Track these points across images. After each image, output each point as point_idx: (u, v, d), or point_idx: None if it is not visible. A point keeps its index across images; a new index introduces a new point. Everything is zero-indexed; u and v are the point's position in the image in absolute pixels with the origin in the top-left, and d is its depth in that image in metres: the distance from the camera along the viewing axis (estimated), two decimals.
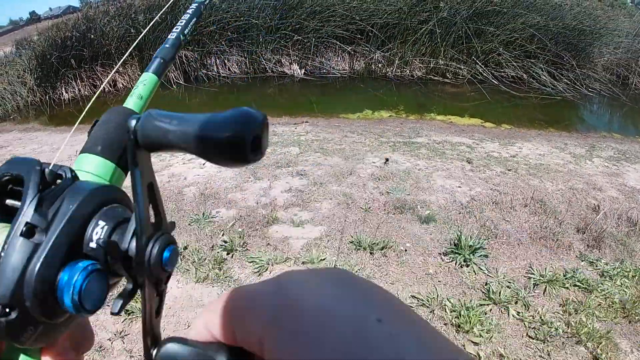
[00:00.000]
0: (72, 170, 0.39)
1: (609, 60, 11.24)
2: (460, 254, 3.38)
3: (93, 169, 0.49)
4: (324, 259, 3.41)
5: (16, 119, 10.69)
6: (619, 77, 11.46)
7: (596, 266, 3.51)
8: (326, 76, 11.22)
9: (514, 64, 10.24)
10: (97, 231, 0.36)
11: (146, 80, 0.63)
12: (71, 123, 9.26)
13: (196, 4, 0.76)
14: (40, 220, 0.34)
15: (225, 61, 11.83)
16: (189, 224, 4.10)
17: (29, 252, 0.33)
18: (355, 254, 3.47)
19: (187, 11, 0.74)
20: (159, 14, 8.70)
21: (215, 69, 11.81)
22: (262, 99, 10.08)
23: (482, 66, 10.29)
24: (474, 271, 3.30)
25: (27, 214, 0.34)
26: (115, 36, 11.52)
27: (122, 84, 11.66)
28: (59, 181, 0.38)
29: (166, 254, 0.35)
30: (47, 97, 11.36)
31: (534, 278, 3.27)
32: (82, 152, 0.52)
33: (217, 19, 11.26)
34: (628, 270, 3.47)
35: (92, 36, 11.38)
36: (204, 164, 5.58)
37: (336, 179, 4.92)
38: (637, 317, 2.97)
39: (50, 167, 0.38)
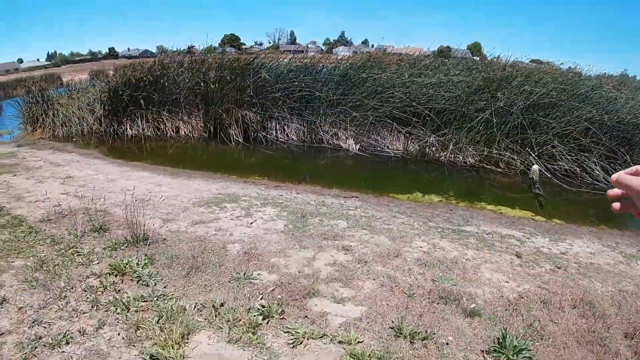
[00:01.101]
0: None
1: None
2: (503, 354, 3.39)
3: None
4: (361, 342, 3.49)
5: (78, 143, 11.44)
6: None
7: None
8: (380, 154, 11.55)
9: (568, 157, 10.25)
10: None
11: None
12: (128, 158, 9.87)
13: None
14: None
15: (285, 127, 12.51)
16: (229, 281, 4.29)
17: None
18: (395, 342, 3.52)
19: None
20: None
21: (274, 133, 12.50)
22: (315, 167, 10.50)
23: (536, 157, 10.35)
24: None
25: None
26: (186, 86, 12.39)
27: (185, 132, 12.41)
28: None
29: None
30: (112, 129, 12.29)
31: None
32: None
33: (282, 86, 12.05)
34: None
35: (165, 83, 12.27)
36: (251, 223, 5.84)
37: (381, 259, 5.03)
38: None
39: None
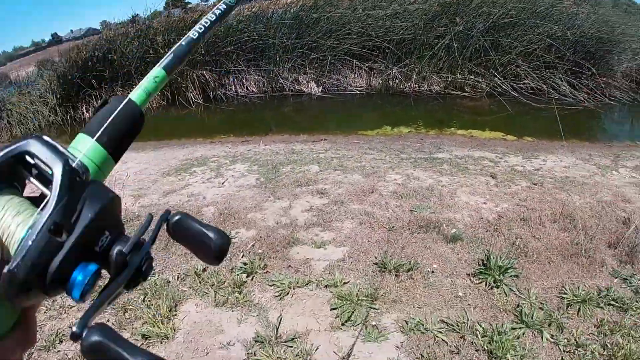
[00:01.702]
0: (87, 169, 0.46)
1: (628, 67, 11.04)
2: (489, 275, 3.30)
3: (89, 153, 0.51)
4: (347, 282, 3.35)
5: None
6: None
7: (630, 283, 3.39)
8: (343, 93, 11.23)
9: (533, 75, 10.14)
10: (102, 239, 0.44)
11: (156, 76, 0.59)
12: None
13: (224, 6, 0.70)
14: (66, 222, 0.40)
15: (244, 80, 11.98)
16: None
17: (52, 249, 0.39)
18: (380, 277, 3.40)
19: (212, 12, 0.69)
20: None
21: (233, 89, 11.96)
22: (279, 117, 10.13)
23: (501, 78, 10.21)
24: (504, 293, 3.21)
25: (57, 213, 0.40)
26: (135, 57, 11.71)
27: None
28: (77, 178, 0.44)
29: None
30: (69, 116, 11.60)
31: (567, 298, 3.17)
32: (82, 132, 0.54)
33: (234, 39, 11.42)
34: None
35: (114, 57, 11.60)
36: (223, 183, 5.58)
37: (357, 198, 4.86)
38: None
39: (75, 164, 0.45)
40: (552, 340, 2.80)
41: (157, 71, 0.59)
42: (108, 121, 0.52)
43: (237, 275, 3.53)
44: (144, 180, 5.97)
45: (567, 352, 2.71)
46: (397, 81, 11.12)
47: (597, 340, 2.80)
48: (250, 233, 4.25)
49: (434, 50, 10.63)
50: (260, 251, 3.90)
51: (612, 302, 3.14)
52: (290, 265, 3.65)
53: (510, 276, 3.35)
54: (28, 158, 0.45)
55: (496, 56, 10.25)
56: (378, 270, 3.48)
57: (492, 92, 10.05)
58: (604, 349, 2.72)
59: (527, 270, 3.50)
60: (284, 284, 3.35)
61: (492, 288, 3.25)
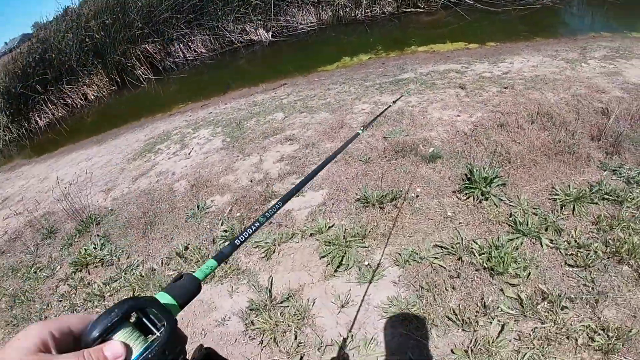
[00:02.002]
0: (175, 321, 0.64)
1: None
2: (476, 188, 3.10)
3: (173, 310, 0.67)
4: (332, 226, 3.12)
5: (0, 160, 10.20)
6: None
7: (620, 174, 3.25)
8: (295, 33, 10.72)
9: None
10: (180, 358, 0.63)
11: (211, 265, 0.78)
12: (52, 148, 8.79)
13: (262, 220, 1.00)
14: (169, 348, 0.61)
15: (189, 43, 11.30)
16: (186, 221, 3.81)
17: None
18: (365, 212, 3.18)
19: (253, 224, 0.98)
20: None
21: (181, 55, 11.30)
22: (235, 72, 9.61)
23: None
24: (494, 204, 3.03)
25: (166, 343, 0.60)
26: (73, 50, 10.92)
27: (93, 94, 11.12)
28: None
29: None
30: (24, 129, 10.83)
31: (559, 199, 3.00)
32: (166, 291, 0.69)
33: (170, 3, 10.65)
34: None
35: (51, 56, 10.80)
36: (189, 153, 5.26)
37: (328, 136, 4.59)
38: None
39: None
40: (552, 245, 2.64)
41: (210, 261, 0.78)
42: (184, 289, 0.71)
43: (220, 245, 3.30)
44: (112, 172, 5.60)
45: (569, 255, 2.56)
46: (347, 10, 10.60)
47: (598, 238, 2.66)
48: (226, 198, 3.98)
49: None
50: (238, 214, 3.65)
51: (606, 196, 2.98)
52: (271, 222, 3.39)
53: (497, 185, 3.16)
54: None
55: None
56: (361, 206, 3.26)
57: (447, 4, 9.67)
58: (606, 246, 2.57)
59: (513, 177, 3.31)
60: (268, 242, 3.11)
61: (480, 201, 3.07)
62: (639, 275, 2.40)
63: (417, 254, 2.68)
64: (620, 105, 4.30)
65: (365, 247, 2.85)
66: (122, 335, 0.58)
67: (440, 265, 2.60)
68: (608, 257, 2.52)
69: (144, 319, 0.62)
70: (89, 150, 7.30)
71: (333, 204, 3.38)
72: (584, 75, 5.30)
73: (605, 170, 3.32)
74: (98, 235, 4.01)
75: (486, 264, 2.52)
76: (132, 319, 0.61)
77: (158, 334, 0.61)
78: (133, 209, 4.33)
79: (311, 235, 3.08)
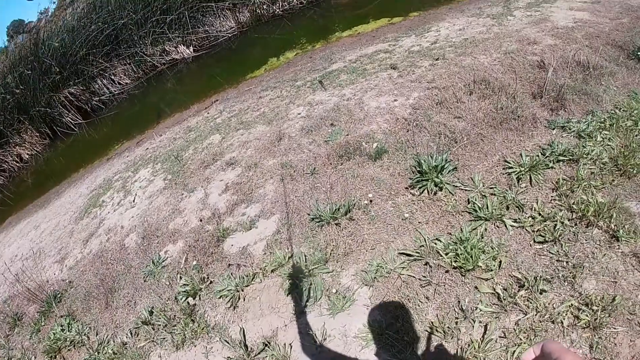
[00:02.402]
0: None
1: None
2: (428, 180, 2.93)
3: None
4: (291, 256, 2.90)
5: None
6: None
7: (570, 129, 3.14)
8: (217, 43, 10.37)
9: None
10: None
11: None
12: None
13: None
14: None
15: (112, 77, 10.76)
16: (145, 280, 3.54)
17: None
18: (322, 233, 2.97)
19: None
20: None
21: (106, 90, 10.74)
22: (164, 98, 9.18)
23: None
24: (450, 192, 2.87)
25: None
26: None
27: (27, 153, 10.44)
28: None
29: None
30: None
31: (514, 171, 2.87)
32: None
33: (82, 39, 10.10)
34: (602, 120, 3.13)
35: None
36: (134, 201, 4.94)
37: (268, 152, 4.35)
38: (633, 170, 2.63)
39: None
40: (516, 225, 2.51)
41: None
42: None
43: (183, 301, 3.04)
44: (62, 237, 5.21)
45: (536, 231, 2.44)
46: (264, 7, 10.31)
47: (561, 205, 2.54)
48: (179, 245, 3.71)
49: None
50: (195, 262, 3.39)
51: (561, 157, 2.87)
52: (230, 264, 3.16)
53: (449, 172, 3.00)
54: None
55: None
56: (317, 226, 3.05)
57: None
58: (571, 213, 2.47)
59: (463, 158, 3.17)
60: (231, 290, 2.88)
61: (435, 193, 2.90)
62: (610, 235, 2.30)
63: (383, 268, 2.51)
64: (555, 53, 4.21)
65: (329, 272, 2.66)
66: None
67: (409, 275, 2.43)
68: (576, 224, 2.41)
69: None
70: (36, 216, 6.85)
71: (288, 230, 3.16)
72: (513, 29, 5.21)
73: (554, 129, 3.21)
74: (62, 316, 3.70)
75: (454, 263, 2.36)
76: None
77: None
78: (90, 277, 4.03)
79: (272, 271, 2.86)
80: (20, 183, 9.62)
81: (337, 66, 5.83)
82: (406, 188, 3.05)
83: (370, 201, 3.03)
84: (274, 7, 10.22)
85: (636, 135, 2.92)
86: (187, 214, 4.07)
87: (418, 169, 3.04)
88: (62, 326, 3.53)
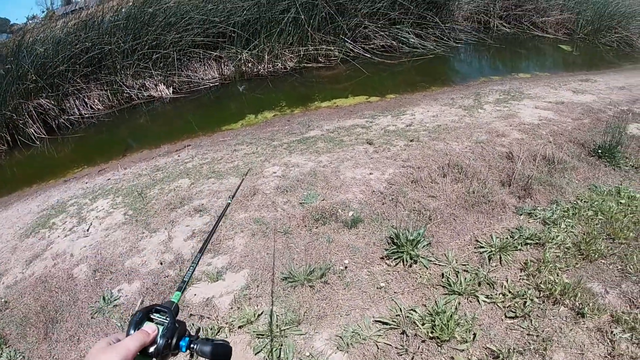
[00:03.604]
0: (173, 314, 1.05)
1: (468, 9, 11.77)
2: (403, 252, 3.02)
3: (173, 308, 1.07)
4: (261, 313, 2.85)
5: None
6: (481, 23, 12.11)
7: (536, 216, 3.42)
8: (197, 89, 10.47)
9: (382, 33, 10.29)
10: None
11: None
12: None
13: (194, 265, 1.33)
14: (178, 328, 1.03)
15: (85, 99, 10.52)
16: (92, 317, 3.29)
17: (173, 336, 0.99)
18: (295, 293, 2.95)
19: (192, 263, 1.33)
20: None
21: (76, 111, 10.48)
22: (134, 132, 9.05)
23: (352, 43, 10.21)
24: (424, 266, 2.96)
25: (171, 328, 1.01)
26: None
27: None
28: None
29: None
30: None
31: (485, 251, 3.03)
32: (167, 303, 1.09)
33: (66, 55, 9.93)
34: (566, 209, 3.45)
35: None
36: (88, 229, 4.72)
37: (240, 205, 4.32)
38: (594, 255, 2.89)
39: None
40: (488, 300, 2.62)
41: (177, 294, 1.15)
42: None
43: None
44: (2, 251, 4.86)
45: (507, 307, 2.56)
46: (249, 65, 10.60)
47: (529, 285, 2.71)
48: (134, 286, 3.52)
49: (282, 25, 10.26)
50: None
51: (528, 241, 3.11)
52: (191, 314, 3.05)
53: (424, 246, 3.11)
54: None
55: (343, 21, 10.20)
56: (290, 286, 3.02)
57: (345, 58, 10.01)
58: (539, 292, 2.63)
59: (437, 234, 3.30)
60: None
61: (410, 265, 2.98)
62: (576, 312, 2.45)
63: (359, 334, 2.50)
64: (522, 147, 4.56)
65: (302, 334, 2.61)
66: (148, 324, 0.99)
67: (385, 342, 2.44)
68: (544, 302, 2.57)
69: (155, 314, 1.02)
70: None
71: (258, 286, 3.11)
72: (483, 121, 5.57)
73: (521, 215, 3.48)
74: None
75: (430, 334, 2.40)
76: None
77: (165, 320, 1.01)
78: (30, 301, 3.73)
79: (240, 327, 2.77)
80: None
81: (314, 133, 6.00)
82: (381, 258, 3.12)
83: (346, 267, 3.07)
84: (259, 67, 10.51)
85: (596, 224, 3.24)
86: (146, 255, 3.90)
87: (394, 241, 3.14)
88: None
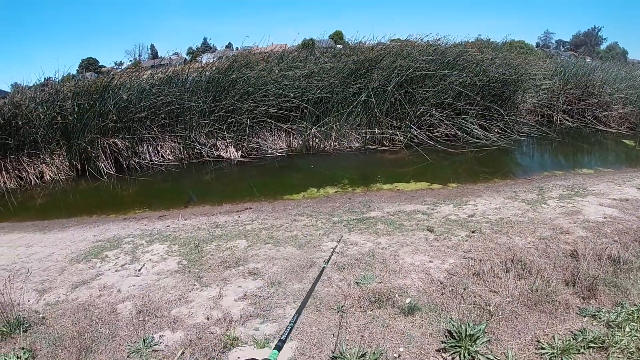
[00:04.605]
0: None
1: (532, 103, 11.90)
2: (461, 347, 2.94)
3: None
4: None
5: None
6: (544, 117, 12.15)
7: (600, 318, 3.26)
8: (264, 157, 10.90)
9: (447, 122, 10.56)
10: None
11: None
12: None
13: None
14: None
15: (158, 147, 11.17)
16: (128, 356, 3.31)
17: None
18: None
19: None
20: None
21: (147, 157, 11.08)
22: (199, 186, 9.45)
23: (417, 129, 10.49)
24: None
25: None
26: (43, 124, 10.57)
27: (50, 175, 10.57)
28: None
29: None
30: None
31: (546, 353, 2.90)
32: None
33: (147, 104, 10.68)
34: (631, 312, 3.29)
35: (19, 123, 10.36)
36: (140, 270, 4.84)
37: (295, 275, 4.37)
38: None
39: None
40: None
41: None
42: None
43: None
44: (50, 269, 5.08)
45: None
46: (317, 140, 11.02)
47: None
48: (177, 335, 3.54)
49: (352, 107, 10.76)
50: None
51: (591, 344, 2.95)
52: None
53: (483, 342, 3.02)
54: None
55: (411, 108, 10.58)
56: None
57: (409, 143, 10.23)
58: None
59: (497, 331, 3.19)
60: None
61: None
62: None
63: None
64: (587, 245, 4.42)
65: None
66: None
67: None
68: None
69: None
70: (32, 235, 6.69)
71: None
72: (546, 217, 5.47)
73: (585, 317, 3.31)
74: (23, 348, 3.47)
75: None
76: None
77: None
78: (68, 324, 3.79)
79: None
80: (30, 198, 9.55)
81: (375, 214, 6.06)
82: (437, 350, 3.04)
83: (399, 355, 3.01)
84: (326, 144, 10.92)
85: None
86: (194, 307, 3.94)
87: (452, 334, 3.07)
88: (18, 357, 3.30)
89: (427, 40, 12.90)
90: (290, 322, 1.27)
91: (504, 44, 16.25)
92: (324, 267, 1.99)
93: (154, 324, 3.74)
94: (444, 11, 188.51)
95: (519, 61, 12.30)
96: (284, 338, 1.17)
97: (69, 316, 3.94)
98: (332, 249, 4.63)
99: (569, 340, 3.00)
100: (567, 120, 12.67)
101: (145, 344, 3.40)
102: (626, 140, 11.60)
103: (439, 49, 12.02)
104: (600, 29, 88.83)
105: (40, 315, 3.97)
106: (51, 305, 4.19)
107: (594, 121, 12.57)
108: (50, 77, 13.72)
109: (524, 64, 12.33)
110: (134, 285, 4.45)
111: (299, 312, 1.41)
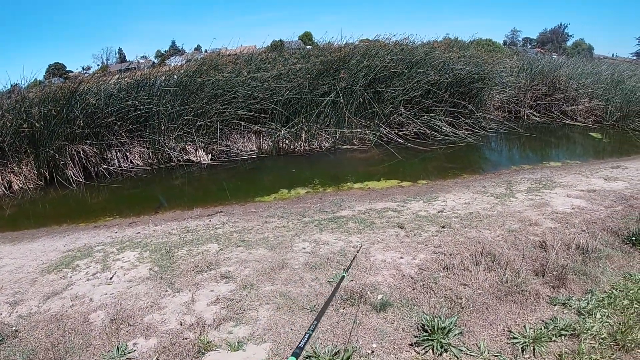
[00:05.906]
0: None
1: (499, 99, 12.12)
2: (434, 340, 2.93)
3: None
4: None
5: None
6: (511, 112, 12.40)
7: (571, 306, 3.33)
8: (234, 159, 10.78)
9: (415, 121, 10.63)
10: None
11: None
12: None
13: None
14: None
15: (127, 153, 10.91)
16: None
17: None
18: None
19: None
20: None
21: (116, 163, 10.82)
22: (169, 191, 9.27)
23: (386, 128, 10.57)
24: (455, 356, 2.86)
25: None
26: (9, 132, 10.21)
27: (18, 185, 10.21)
28: None
29: None
30: None
31: (518, 342, 2.93)
32: None
33: (115, 109, 10.42)
34: (601, 299, 3.38)
35: None
36: (111, 278, 4.72)
37: (267, 277, 4.31)
38: (631, 344, 2.78)
39: None
40: None
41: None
42: None
43: None
44: (22, 281, 4.90)
45: None
46: (287, 142, 10.98)
47: None
48: (151, 342, 3.46)
49: (320, 107, 10.76)
50: None
51: (562, 332, 3.00)
52: None
53: (455, 335, 3.02)
54: None
55: (379, 107, 10.61)
56: None
57: (379, 142, 10.28)
58: None
59: (469, 323, 3.20)
60: None
61: (441, 354, 2.88)
62: None
63: None
64: (555, 236, 4.50)
65: None
66: None
67: None
68: None
69: None
70: (2, 247, 6.34)
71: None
72: (515, 210, 5.55)
73: (555, 305, 3.37)
74: None
75: None
76: None
77: None
78: (41, 336, 3.66)
79: None
80: None
81: (345, 213, 6.04)
82: (410, 344, 3.03)
83: (373, 352, 2.99)
84: (296, 144, 10.90)
85: (632, 313, 3.15)
86: (167, 313, 3.85)
87: (425, 328, 3.06)
88: None
89: (395, 40, 13.00)
90: (308, 330, 1.28)
91: (472, 42, 16.48)
92: (343, 276, 1.97)
93: (127, 331, 3.64)
94: (413, 12, 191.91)
95: (486, 58, 12.53)
96: (302, 345, 1.19)
97: (42, 328, 3.81)
98: (303, 250, 4.59)
99: (541, 329, 3.04)
100: (535, 115, 12.95)
101: (119, 352, 3.30)
102: (593, 133, 11.93)
103: (406, 49, 12.14)
104: (567, 26, 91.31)
105: (13, 329, 3.83)
106: (24, 317, 4.04)
107: (561, 115, 12.87)
108: (17, 84, 13.31)
109: (491, 61, 12.56)
110: (106, 294, 4.33)
111: (317, 319, 1.45)
